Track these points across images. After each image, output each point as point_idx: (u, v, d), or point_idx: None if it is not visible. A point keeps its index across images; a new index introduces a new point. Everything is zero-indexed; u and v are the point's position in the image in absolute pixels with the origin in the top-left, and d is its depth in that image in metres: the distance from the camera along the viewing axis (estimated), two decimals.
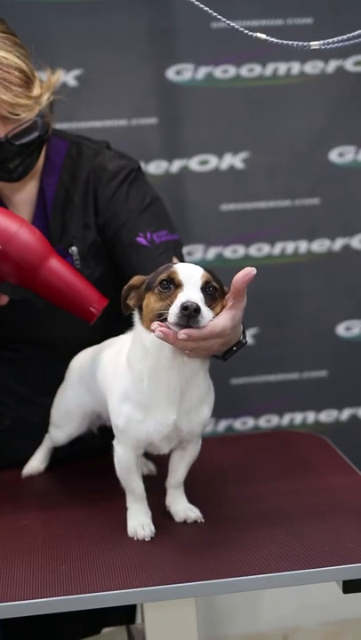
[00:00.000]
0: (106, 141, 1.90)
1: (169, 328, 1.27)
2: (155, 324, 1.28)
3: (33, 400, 1.88)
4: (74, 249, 1.77)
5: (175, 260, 1.66)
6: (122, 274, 1.72)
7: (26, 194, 1.81)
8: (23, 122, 1.65)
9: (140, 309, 1.39)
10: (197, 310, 1.26)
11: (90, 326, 1.67)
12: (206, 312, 1.28)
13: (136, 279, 1.41)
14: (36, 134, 1.68)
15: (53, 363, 1.81)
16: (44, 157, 1.81)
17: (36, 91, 1.67)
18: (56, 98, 1.76)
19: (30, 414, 1.88)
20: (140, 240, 1.70)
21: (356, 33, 1.41)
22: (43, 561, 1.40)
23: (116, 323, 1.64)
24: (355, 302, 2.57)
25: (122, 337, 1.60)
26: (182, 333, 1.25)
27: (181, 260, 1.69)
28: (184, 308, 1.25)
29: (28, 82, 1.65)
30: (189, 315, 1.25)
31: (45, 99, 1.69)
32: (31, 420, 1.87)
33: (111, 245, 1.78)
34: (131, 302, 1.41)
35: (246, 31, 1.43)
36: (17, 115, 1.63)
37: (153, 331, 1.29)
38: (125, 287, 1.42)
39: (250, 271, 1.27)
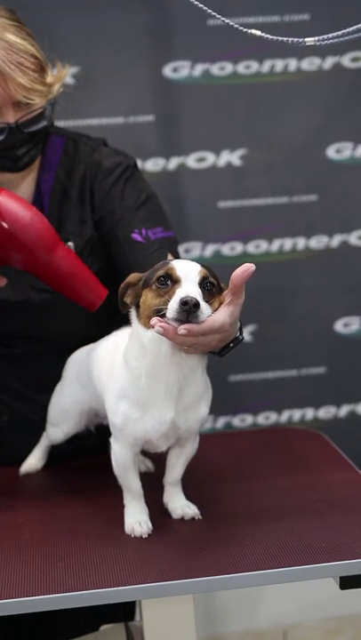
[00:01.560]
0: (102, 138, 1.90)
1: (168, 324, 1.27)
2: (154, 320, 1.28)
3: (30, 397, 1.88)
4: (70, 244, 1.77)
5: (170, 256, 1.66)
6: (117, 270, 1.73)
7: (23, 189, 1.81)
8: (34, 109, 1.67)
9: (137, 307, 1.39)
10: (197, 305, 1.25)
11: (86, 322, 1.67)
12: (205, 307, 1.28)
13: (132, 277, 1.41)
14: (44, 123, 1.70)
15: (50, 359, 1.81)
16: (41, 153, 1.81)
17: (49, 78, 1.70)
18: (64, 91, 1.77)
19: (28, 411, 1.88)
20: (136, 237, 1.71)
21: (352, 29, 1.40)
22: (40, 558, 1.40)
23: (112, 319, 1.64)
24: (353, 299, 2.57)
25: (117, 334, 1.59)
26: (182, 328, 1.25)
27: (177, 257, 1.69)
28: (183, 303, 1.25)
29: (42, 69, 1.68)
30: (189, 310, 1.25)
31: (56, 89, 1.72)
32: (29, 416, 1.87)
33: (107, 241, 1.78)
34: (128, 300, 1.41)
35: (241, 28, 1.42)
36: (31, 100, 1.65)
37: (152, 327, 1.28)
38: (122, 285, 1.41)
39: (249, 267, 1.26)
